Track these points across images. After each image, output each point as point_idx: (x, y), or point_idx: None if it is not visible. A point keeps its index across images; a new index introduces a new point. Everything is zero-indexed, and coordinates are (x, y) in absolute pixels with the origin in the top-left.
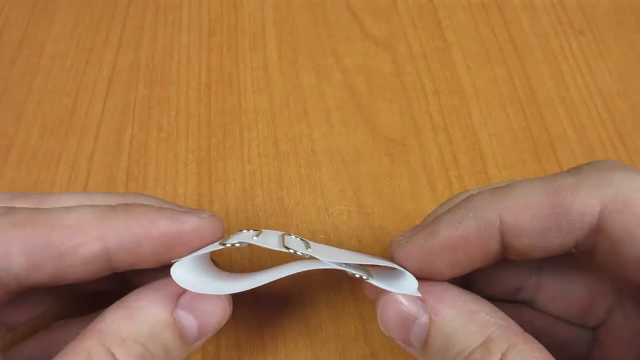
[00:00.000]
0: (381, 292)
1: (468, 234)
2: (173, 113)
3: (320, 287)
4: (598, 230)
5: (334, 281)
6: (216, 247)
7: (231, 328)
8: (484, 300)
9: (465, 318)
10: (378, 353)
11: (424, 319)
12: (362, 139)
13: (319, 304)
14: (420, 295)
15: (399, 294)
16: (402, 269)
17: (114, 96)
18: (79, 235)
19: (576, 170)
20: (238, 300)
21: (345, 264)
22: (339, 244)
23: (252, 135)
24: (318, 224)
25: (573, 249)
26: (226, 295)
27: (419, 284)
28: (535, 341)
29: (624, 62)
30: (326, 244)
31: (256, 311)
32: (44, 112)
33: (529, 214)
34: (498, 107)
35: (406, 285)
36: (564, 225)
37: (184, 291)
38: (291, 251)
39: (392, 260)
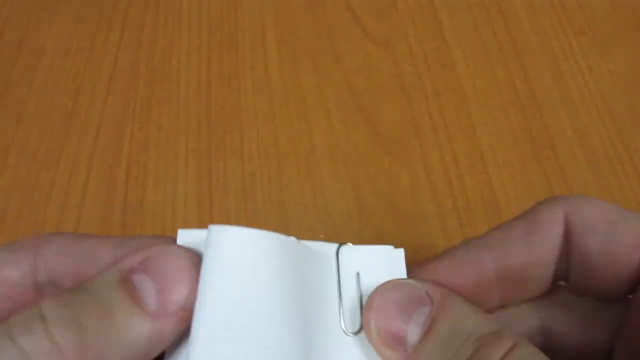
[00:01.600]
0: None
1: (462, 265)
2: (173, 113)
3: None
4: (567, 234)
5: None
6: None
7: None
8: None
9: (475, 309)
10: None
11: (427, 307)
12: (362, 139)
13: None
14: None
15: (402, 280)
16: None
17: (114, 96)
18: None
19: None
20: None
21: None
22: None
23: (252, 135)
24: (318, 224)
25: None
26: (192, 261)
27: (421, 283)
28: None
29: (624, 62)
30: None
31: None
32: (44, 112)
33: (511, 230)
34: (498, 107)
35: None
36: (540, 233)
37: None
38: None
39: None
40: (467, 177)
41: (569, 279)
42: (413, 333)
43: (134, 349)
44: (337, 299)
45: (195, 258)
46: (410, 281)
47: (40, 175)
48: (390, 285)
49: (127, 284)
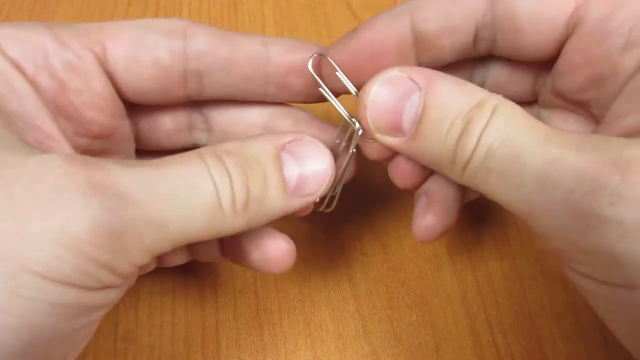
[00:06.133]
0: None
1: (382, 32)
2: None
3: (321, 287)
4: (493, 1)
5: (334, 281)
6: None
7: (231, 327)
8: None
9: (458, 86)
10: (378, 353)
11: (417, 94)
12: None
13: (319, 304)
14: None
15: (392, 71)
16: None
17: None
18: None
19: None
20: (238, 298)
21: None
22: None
23: None
24: (319, 223)
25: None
26: (329, 161)
27: (404, 70)
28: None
29: None
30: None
31: (256, 311)
32: None
33: (434, 1)
34: None
35: None
36: (465, 6)
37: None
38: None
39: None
40: None
41: (496, 47)
42: (408, 120)
43: (268, 215)
44: None
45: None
46: (394, 71)
47: None
48: (378, 81)
49: (278, 161)
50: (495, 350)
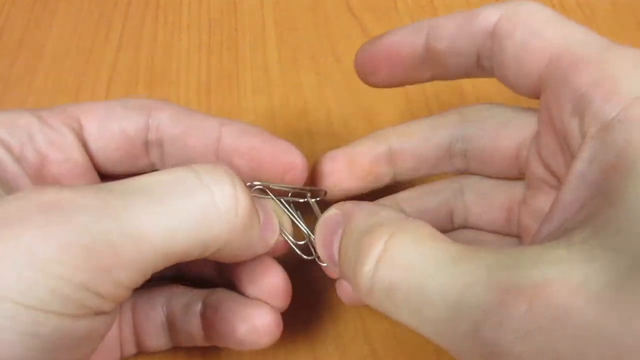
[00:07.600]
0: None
1: (402, 39)
2: None
3: (321, 287)
4: (493, 34)
5: (334, 281)
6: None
7: None
8: (393, 209)
9: (368, 215)
10: (378, 353)
11: (342, 228)
12: None
13: (319, 304)
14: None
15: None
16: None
17: (114, 96)
18: None
19: None
20: None
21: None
22: None
23: None
24: None
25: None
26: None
27: (338, 207)
28: (422, 221)
29: None
30: None
31: None
32: None
33: (451, 18)
34: None
35: None
36: (468, 29)
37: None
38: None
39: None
40: None
41: (495, 73)
42: (336, 251)
43: (248, 244)
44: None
45: None
46: (332, 210)
47: None
48: (319, 222)
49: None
50: None
